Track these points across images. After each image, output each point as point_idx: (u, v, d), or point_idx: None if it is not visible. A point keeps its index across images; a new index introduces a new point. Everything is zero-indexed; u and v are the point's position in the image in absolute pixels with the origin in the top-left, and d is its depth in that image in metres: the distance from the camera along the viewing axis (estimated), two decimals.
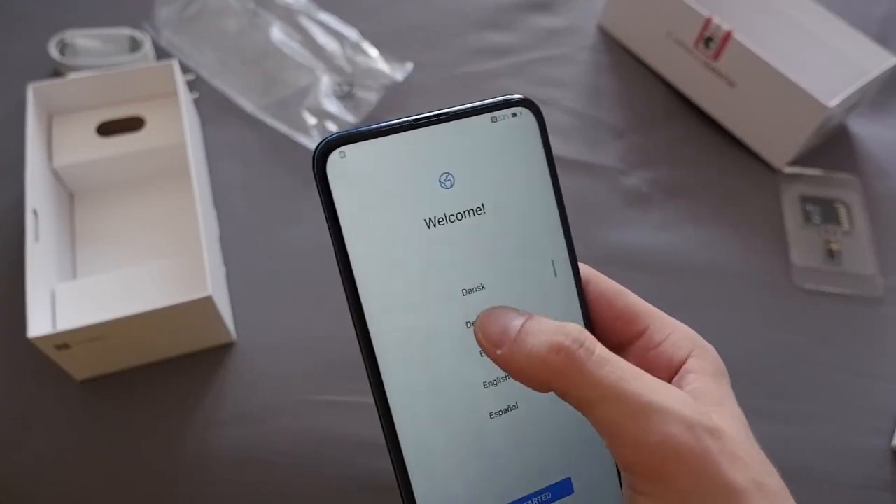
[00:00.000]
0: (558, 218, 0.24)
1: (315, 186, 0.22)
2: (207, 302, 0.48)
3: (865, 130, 0.72)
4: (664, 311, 0.25)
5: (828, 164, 0.69)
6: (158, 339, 0.51)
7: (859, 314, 0.60)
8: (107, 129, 0.61)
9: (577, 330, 0.21)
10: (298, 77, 0.69)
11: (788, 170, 0.68)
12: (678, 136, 0.70)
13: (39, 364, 0.49)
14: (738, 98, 0.67)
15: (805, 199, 0.66)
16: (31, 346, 0.46)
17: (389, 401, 0.22)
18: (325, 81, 0.69)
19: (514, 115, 0.23)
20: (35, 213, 0.51)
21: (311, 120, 0.66)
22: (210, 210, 0.60)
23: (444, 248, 0.22)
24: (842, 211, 0.66)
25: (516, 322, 0.21)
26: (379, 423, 0.22)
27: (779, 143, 0.67)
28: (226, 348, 0.54)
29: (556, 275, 0.24)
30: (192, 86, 0.68)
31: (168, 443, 0.50)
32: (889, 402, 0.55)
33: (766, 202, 0.66)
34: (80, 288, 0.53)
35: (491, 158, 0.23)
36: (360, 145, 0.22)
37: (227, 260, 0.58)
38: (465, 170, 0.23)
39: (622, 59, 0.76)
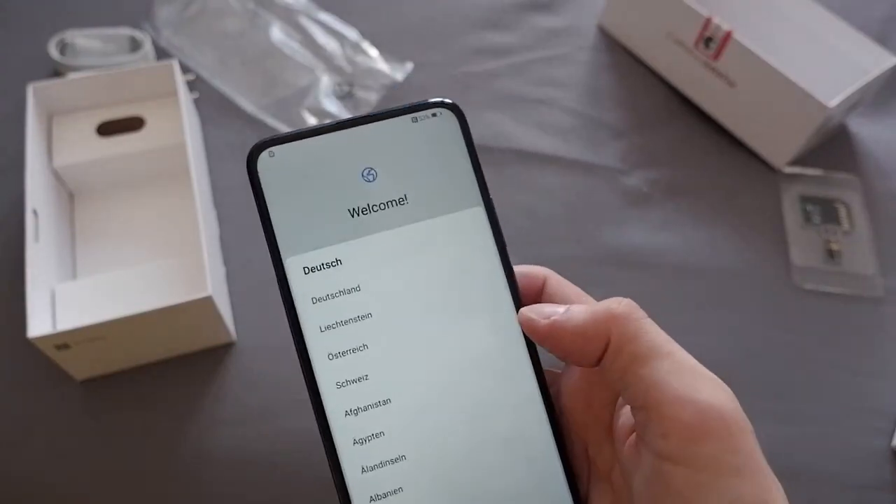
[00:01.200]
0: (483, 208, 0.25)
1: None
2: (207, 302, 0.48)
3: (865, 130, 0.72)
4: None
5: (828, 164, 0.69)
6: (158, 339, 0.51)
7: (859, 314, 0.60)
8: (107, 129, 0.61)
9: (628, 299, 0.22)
10: (298, 77, 0.69)
11: (788, 170, 0.68)
12: (678, 136, 0.70)
13: (39, 364, 0.49)
14: (738, 98, 0.67)
15: (805, 199, 0.66)
16: (31, 346, 0.46)
17: (317, 379, 0.25)
18: (325, 81, 0.69)
19: (434, 115, 0.25)
20: (35, 213, 0.51)
21: (311, 120, 0.66)
22: (210, 210, 0.60)
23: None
24: (842, 211, 0.66)
25: (563, 307, 0.23)
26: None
27: (779, 143, 0.67)
28: (226, 348, 0.54)
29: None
30: (192, 86, 0.68)
31: (168, 443, 0.50)
32: (889, 402, 0.55)
33: (766, 202, 0.66)
34: (80, 288, 0.53)
35: (412, 154, 0.25)
36: (288, 146, 0.24)
37: (227, 260, 0.58)
38: (386, 165, 0.24)
39: (622, 59, 0.76)
